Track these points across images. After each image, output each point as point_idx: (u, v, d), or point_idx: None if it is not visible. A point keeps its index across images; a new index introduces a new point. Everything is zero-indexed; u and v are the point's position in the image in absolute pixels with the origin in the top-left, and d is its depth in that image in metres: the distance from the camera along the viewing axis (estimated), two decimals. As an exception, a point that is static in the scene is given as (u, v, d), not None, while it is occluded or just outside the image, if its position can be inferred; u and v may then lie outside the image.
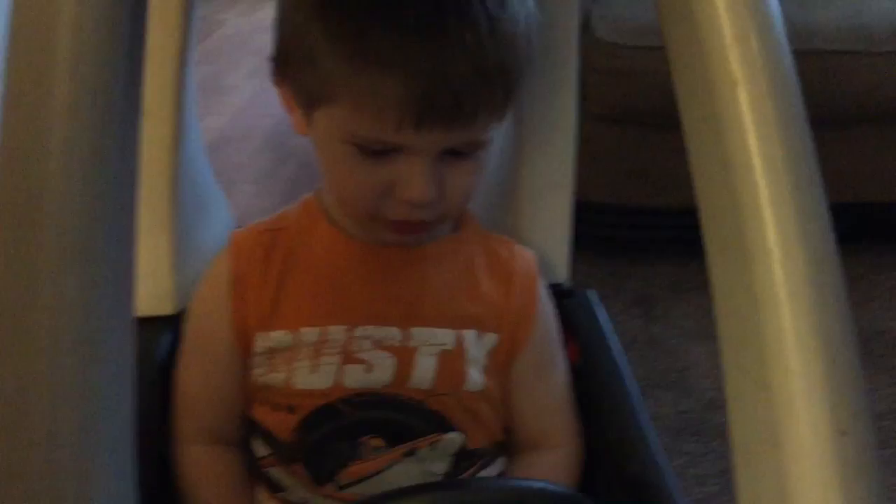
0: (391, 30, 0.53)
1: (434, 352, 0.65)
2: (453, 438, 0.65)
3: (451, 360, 0.65)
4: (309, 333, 0.64)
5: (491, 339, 0.67)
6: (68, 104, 0.29)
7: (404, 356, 0.64)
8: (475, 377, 0.65)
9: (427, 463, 0.64)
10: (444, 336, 0.65)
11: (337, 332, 0.64)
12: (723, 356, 0.37)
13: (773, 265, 0.35)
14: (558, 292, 0.77)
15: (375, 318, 0.65)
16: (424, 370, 0.64)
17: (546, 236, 0.82)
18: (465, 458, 0.65)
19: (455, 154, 0.58)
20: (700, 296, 1.61)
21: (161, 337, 0.72)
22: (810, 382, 0.35)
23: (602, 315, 0.78)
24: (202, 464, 0.67)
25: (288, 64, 0.59)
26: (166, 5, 0.68)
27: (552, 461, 0.69)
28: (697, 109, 0.36)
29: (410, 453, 0.64)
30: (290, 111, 0.63)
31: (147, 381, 0.69)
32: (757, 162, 0.34)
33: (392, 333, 0.64)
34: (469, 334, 0.66)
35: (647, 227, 1.68)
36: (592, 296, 0.81)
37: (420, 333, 0.65)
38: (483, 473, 0.67)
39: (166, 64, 0.68)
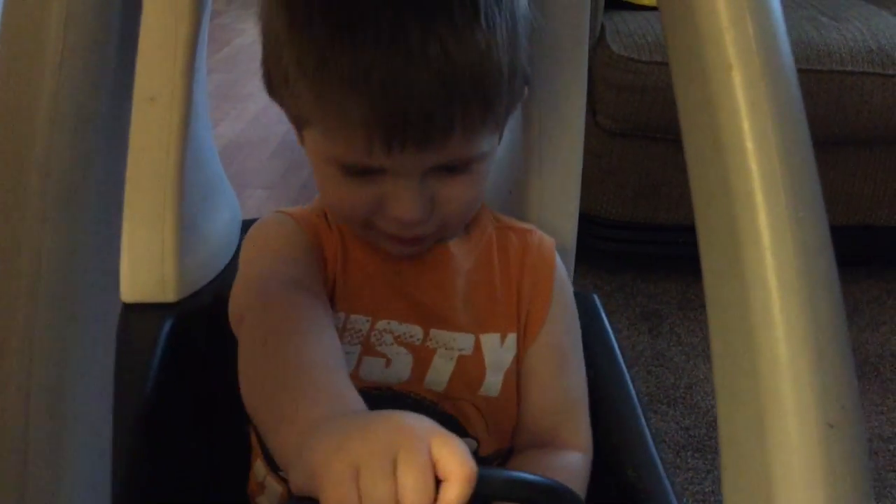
0: (351, 50, 0.51)
1: (452, 356, 0.64)
2: (466, 444, 0.63)
3: (468, 365, 0.64)
4: (334, 318, 0.62)
5: (512, 339, 0.66)
6: (58, 61, 0.30)
7: (422, 355, 0.63)
8: (492, 382, 0.64)
9: None
10: (463, 341, 0.65)
11: (359, 321, 0.63)
12: (712, 344, 0.37)
13: (764, 252, 0.34)
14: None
15: (398, 314, 0.64)
16: (440, 372, 0.63)
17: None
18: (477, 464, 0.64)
19: (447, 169, 0.56)
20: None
21: (163, 324, 0.72)
22: (798, 373, 0.34)
23: (605, 318, 0.78)
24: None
25: (271, 84, 0.59)
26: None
27: (559, 462, 0.64)
28: (692, 94, 0.36)
29: None
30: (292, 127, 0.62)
31: (148, 368, 0.69)
32: (749, 147, 0.34)
33: (413, 331, 0.64)
34: (489, 338, 0.65)
35: (655, 242, 1.68)
36: (595, 300, 0.81)
37: (440, 336, 0.64)
38: None
39: (176, 50, 0.68)
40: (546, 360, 0.67)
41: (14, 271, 0.29)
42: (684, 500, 1.22)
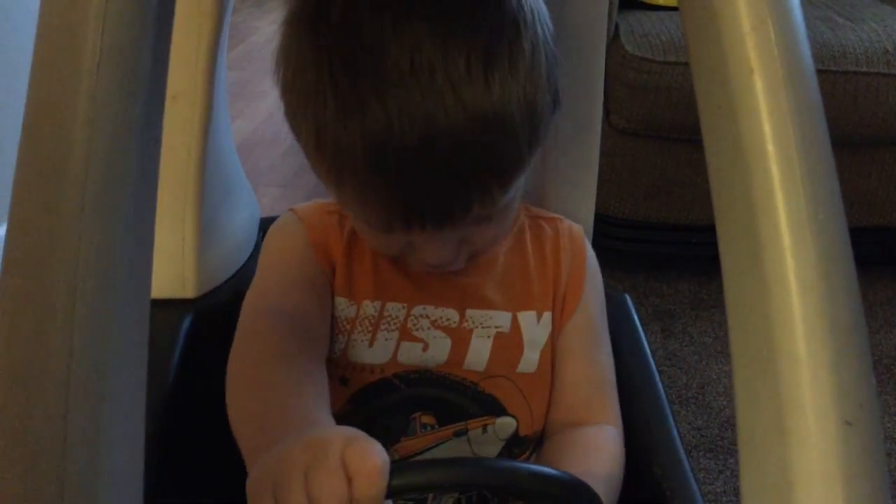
0: (364, 137, 0.50)
1: (489, 334, 0.66)
2: (506, 423, 0.65)
3: (506, 342, 0.66)
4: (369, 307, 0.65)
5: (548, 318, 0.68)
6: (96, 63, 0.31)
7: (460, 337, 0.65)
8: (530, 359, 0.66)
9: (477, 445, 0.65)
10: (500, 318, 0.66)
11: (395, 308, 0.65)
12: (731, 344, 0.37)
13: (784, 254, 0.35)
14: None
15: (433, 299, 0.66)
16: (479, 352, 0.65)
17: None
18: (516, 445, 0.66)
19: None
20: (720, 313, 1.60)
21: (182, 320, 0.73)
22: (817, 372, 0.34)
23: (636, 318, 0.79)
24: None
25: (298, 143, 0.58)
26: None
27: (599, 437, 0.65)
28: (713, 97, 0.37)
29: (461, 433, 0.64)
30: None
31: (168, 363, 0.70)
32: (770, 149, 0.35)
33: (449, 314, 0.66)
34: (526, 316, 0.67)
35: (668, 242, 1.68)
36: (627, 299, 0.82)
37: (476, 315, 0.66)
38: (534, 460, 0.67)
39: (199, 48, 0.69)
40: (581, 336, 0.69)
41: (53, 269, 0.30)
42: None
